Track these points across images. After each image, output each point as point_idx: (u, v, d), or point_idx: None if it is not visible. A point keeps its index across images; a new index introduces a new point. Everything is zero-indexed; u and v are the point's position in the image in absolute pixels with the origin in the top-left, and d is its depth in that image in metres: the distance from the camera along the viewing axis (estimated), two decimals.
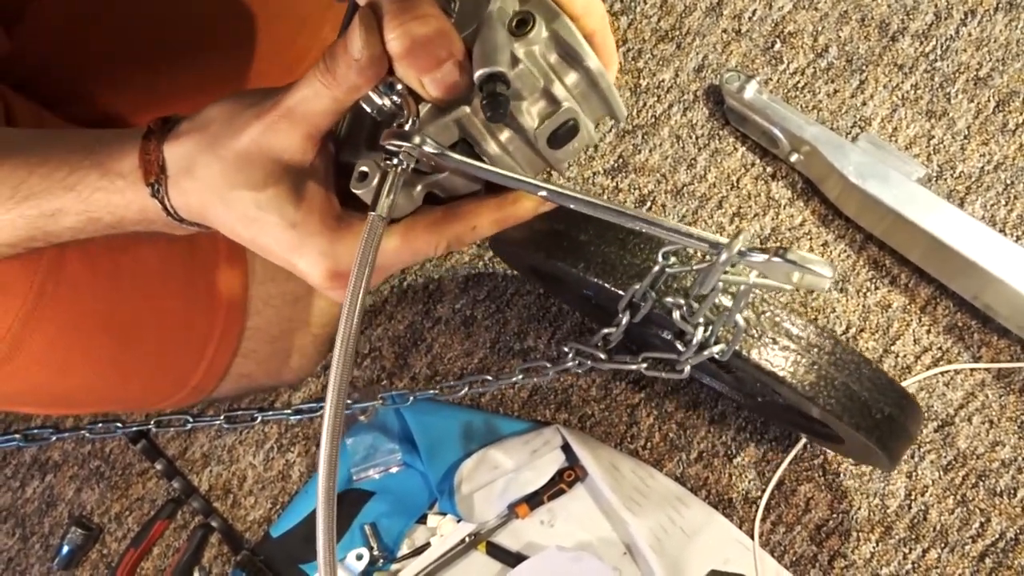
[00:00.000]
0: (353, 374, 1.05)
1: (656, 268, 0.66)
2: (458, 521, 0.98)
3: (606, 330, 0.73)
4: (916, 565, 0.96)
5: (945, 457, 0.98)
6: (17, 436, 0.82)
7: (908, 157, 0.98)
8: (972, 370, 1.00)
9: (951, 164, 1.04)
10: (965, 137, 1.05)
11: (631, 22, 1.13)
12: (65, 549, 1.05)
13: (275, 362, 0.96)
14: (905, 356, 1.01)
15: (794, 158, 1.02)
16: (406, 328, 1.07)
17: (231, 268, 0.87)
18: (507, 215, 0.61)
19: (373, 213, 0.54)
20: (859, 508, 0.98)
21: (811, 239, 1.04)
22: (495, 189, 0.61)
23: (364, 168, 0.57)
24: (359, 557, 0.97)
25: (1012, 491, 0.97)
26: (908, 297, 1.02)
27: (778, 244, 1.03)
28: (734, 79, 1.02)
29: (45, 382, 0.79)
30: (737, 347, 0.67)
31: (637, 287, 0.67)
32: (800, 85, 1.08)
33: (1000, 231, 0.98)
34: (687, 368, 0.69)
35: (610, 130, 1.10)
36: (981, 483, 0.97)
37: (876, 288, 1.02)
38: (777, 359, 0.68)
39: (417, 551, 0.98)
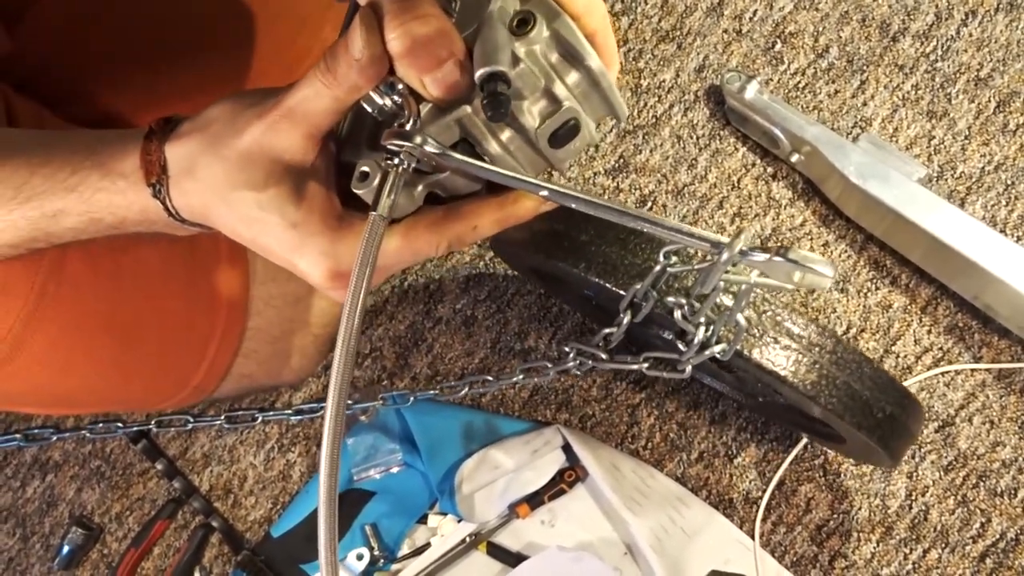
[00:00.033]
0: (354, 374, 1.06)
1: (657, 268, 0.66)
2: (459, 521, 0.98)
3: (607, 330, 0.73)
4: (917, 565, 0.96)
5: (946, 457, 0.98)
6: (18, 436, 0.82)
7: (909, 157, 0.98)
8: (973, 370, 1.00)
9: (952, 164, 1.04)
10: (966, 137, 1.05)
11: (632, 22, 1.13)
12: (66, 549, 1.05)
13: (276, 362, 0.96)
14: (906, 356, 1.01)
15: (795, 158, 1.02)
16: (407, 328, 1.07)
17: (232, 268, 0.87)
18: (508, 215, 0.61)
19: (374, 213, 0.54)
20: (860, 508, 0.98)
21: (812, 239, 1.04)
22: (496, 189, 0.61)
23: (365, 168, 0.57)
24: (360, 557, 0.97)
25: (1013, 491, 0.97)
26: (909, 297, 1.02)
27: (779, 244, 1.03)
28: (735, 79, 1.02)
29: (46, 382, 0.79)
30: (738, 346, 0.67)
31: (638, 287, 0.67)
32: (801, 85, 1.08)
33: (1001, 231, 0.98)
34: (688, 368, 0.69)
35: (611, 130, 1.10)
36: (982, 483, 0.97)
37: (877, 288, 1.02)
38: (779, 358, 0.68)
39: (418, 551, 0.98)
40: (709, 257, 0.60)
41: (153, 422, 0.82)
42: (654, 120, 1.10)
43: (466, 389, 0.83)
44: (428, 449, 0.99)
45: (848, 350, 0.70)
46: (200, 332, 0.86)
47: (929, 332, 1.01)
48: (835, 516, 0.98)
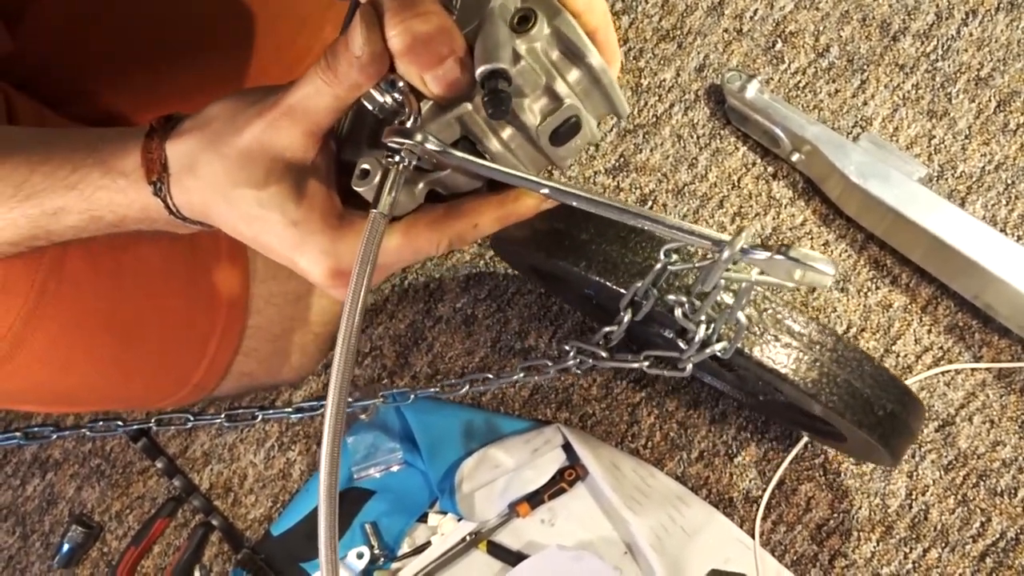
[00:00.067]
0: (354, 373, 1.06)
1: (658, 266, 0.66)
2: (459, 520, 0.98)
3: (607, 328, 0.73)
4: (917, 565, 0.96)
5: (946, 457, 0.98)
6: (18, 434, 0.82)
7: (909, 157, 0.98)
8: (973, 370, 1.00)
9: (952, 164, 1.04)
10: (966, 137, 1.05)
11: (632, 21, 1.13)
12: (65, 547, 1.06)
13: (276, 360, 0.96)
14: (906, 356, 1.01)
15: (795, 158, 1.02)
16: (407, 327, 1.07)
17: (232, 266, 0.87)
18: (509, 213, 0.61)
19: (375, 211, 0.54)
20: (860, 507, 0.98)
21: (812, 239, 1.04)
22: (497, 187, 0.61)
23: (366, 166, 0.57)
24: (360, 556, 0.97)
25: (1013, 491, 0.97)
26: (909, 297, 1.02)
27: (780, 242, 1.03)
28: (735, 78, 1.02)
29: (46, 380, 0.79)
30: (739, 344, 0.67)
31: (639, 285, 0.67)
32: (801, 85, 1.08)
33: (1001, 231, 0.98)
34: (689, 366, 0.69)
35: (611, 129, 1.10)
36: (982, 483, 0.97)
37: (877, 288, 1.02)
38: (779, 356, 0.68)
39: (418, 550, 0.98)
40: (710, 255, 0.60)
41: (153, 420, 0.82)
42: (655, 119, 1.10)
43: (466, 388, 0.82)
44: (428, 448, 0.99)
45: (849, 348, 0.70)
46: (200, 330, 0.86)
47: (929, 331, 1.01)
48: (835, 515, 0.98)
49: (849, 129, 1.06)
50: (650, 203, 1.07)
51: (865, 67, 1.08)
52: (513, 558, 0.97)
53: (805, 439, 0.99)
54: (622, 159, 1.09)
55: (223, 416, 0.81)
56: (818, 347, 0.69)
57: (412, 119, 0.54)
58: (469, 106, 0.55)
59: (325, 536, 0.51)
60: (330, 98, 0.54)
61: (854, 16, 1.09)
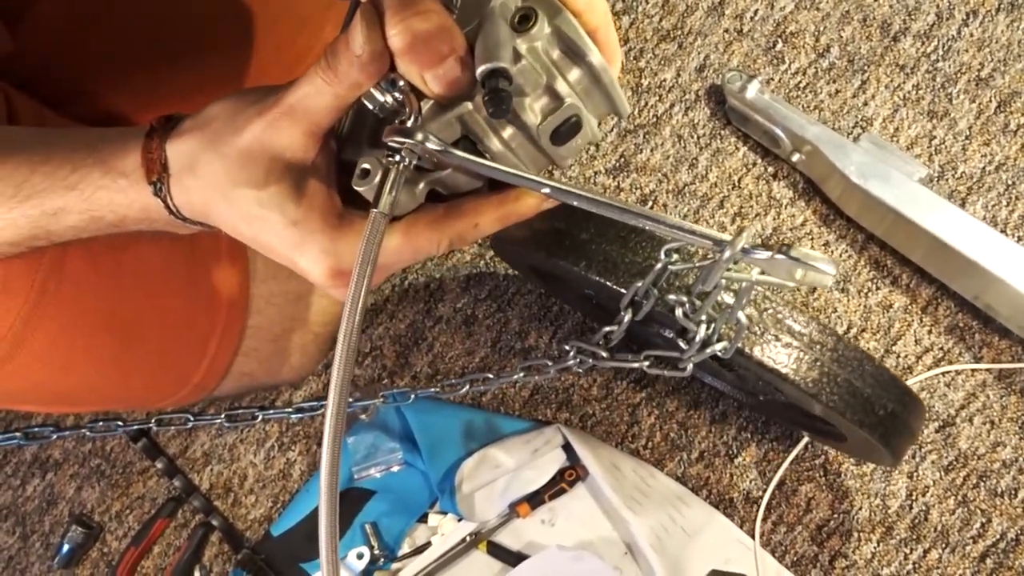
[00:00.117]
0: (354, 373, 1.05)
1: (659, 265, 0.66)
2: (459, 520, 0.98)
3: (608, 328, 0.73)
4: (917, 565, 0.96)
5: (946, 458, 0.98)
6: (18, 434, 0.82)
7: (910, 157, 0.98)
8: (973, 371, 1.00)
9: (953, 164, 1.04)
10: (967, 137, 1.05)
11: (633, 21, 1.13)
12: (65, 547, 1.05)
13: (276, 361, 0.96)
14: (906, 356, 1.01)
15: (796, 158, 1.02)
16: (407, 327, 1.07)
17: (232, 266, 0.87)
18: (509, 212, 0.61)
19: (375, 210, 0.54)
20: (860, 508, 0.98)
21: (812, 239, 1.04)
22: (497, 186, 0.61)
23: (366, 165, 0.57)
24: (360, 556, 0.97)
25: (1013, 492, 0.97)
26: (909, 297, 1.01)
27: (780, 242, 1.03)
28: (736, 79, 1.02)
29: (46, 380, 0.79)
30: (740, 344, 0.67)
31: (639, 285, 0.67)
32: (802, 85, 1.08)
33: (1001, 231, 0.98)
34: (690, 366, 0.69)
35: (612, 129, 1.10)
36: (982, 484, 0.97)
37: (877, 288, 1.02)
38: (780, 356, 0.68)
39: (418, 550, 0.98)
40: (711, 255, 0.60)
41: (153, 420, 0.82)
42: (655, 119, 1.10)
43: (467, 387, 0.82)
44: (428, 448, 0.99)
45: (849, 347, 0.70)
46: (200, 330, 0.86)
47: (930, 332, 1.01)
48: (835, 516, 0.98)
49: (850, 129, 1.06)
50: (650, 203, 1.07)
51: (866, 67, 1.08)
52: (513, 558, 0.97)
53: (805, 439, 0.99)
54: (622, 159, 1.09)
55: (223, 416, 0.81)
56: (819, 347, 0.69)
57: (412, 118, 0.54)
58: (470, 105, 0.55)
59: (326, 536, 0.51)
60: (330, 97, 0.54)
61: (855, 16, 1.09)
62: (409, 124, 0.54)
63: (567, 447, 0.99)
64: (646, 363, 0.73)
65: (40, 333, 0.73)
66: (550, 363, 0.79)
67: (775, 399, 0.91)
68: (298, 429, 1.07)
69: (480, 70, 0.52)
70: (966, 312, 1.01)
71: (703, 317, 0.65)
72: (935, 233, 0.92)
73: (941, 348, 1.00)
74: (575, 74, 0.57)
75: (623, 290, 0.68)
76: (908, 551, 0.97)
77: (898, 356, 1.01)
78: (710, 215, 1.06)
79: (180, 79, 0.85)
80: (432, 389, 0.83)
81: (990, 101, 1.05)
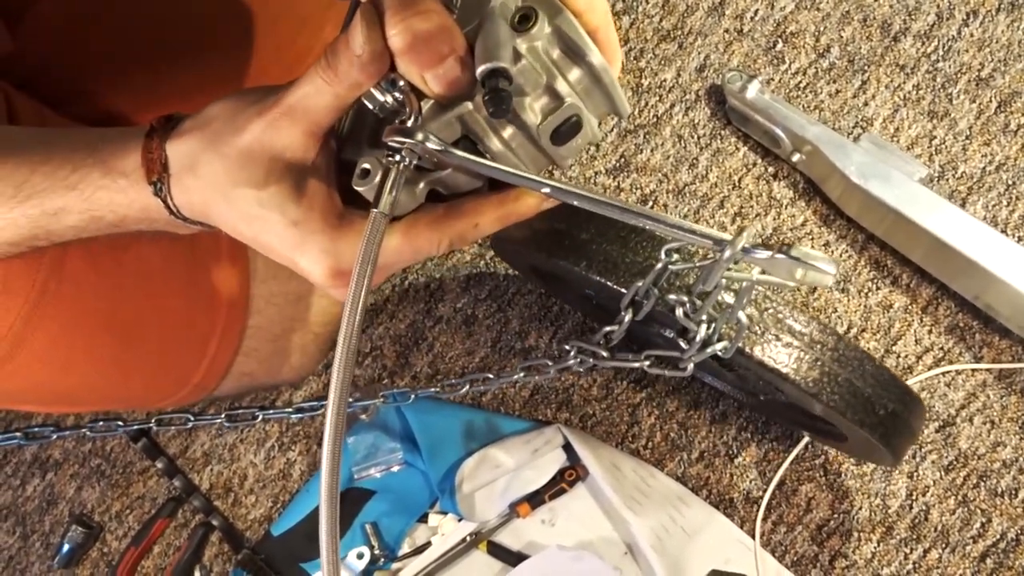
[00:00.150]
0: (354, 373, 1.05)
1: (659, 265, 0.66)
2: (459, 520, 0.98)
3: (608, 328, 0.73)
4: (917, 565, 0.96)
5: (946, 457, 0.98)
6: (18, 434, 0.82)
7: (910, 157, 0.98)
8: (973, 371, 1.00)
9: (953, 164, 1.04)
10: (967, 137, 1.05)
11: (633, 21, 1.13)
12: (66, 547, 1.05)
13: (276, 361, 0.96)
14: (906, 356, 1.01)
15: (796, 158, 1.02)
16: (407, 327, 1.07)
17: (233, 266, 0.87)
18: (509, 212, 0.61)
19: (375, 210, 0.54)
20: (860, 508, 0.98)
21: (812, 239, 1.04)
22: (498, 186, 0.61)
23: (366, 165, 0.57)
24: (360, 556, 0.97)
25: (1013, 492, 0.97)
26: (910, 297, 1.01)
27: (781, 241, 1.03)
28: (736, 79, 1.02)
29: (47, 380, 0.79)
30: (740, 344, 0.67)
31: (640, 285, 0.67)
32: (802, 85, 1.08)
33: (1002, 231, 0.98)
34: (690, 366, 0.69)
35: (612, 129, 1.10)
36: (982, 483, 0.97)
37: (877, 288, 1.02)
38: (780, 356, 0.68)
39: (418, 550, 0.98)
40: (711, 255, 0.60)
41: (153, 420, 0.82)
42: (655, 119, 1.10)
43: (467, 387, 0.82)
44: (429, 448, 0.99)
45: (850, 347, 0.70)
46: (201, 330, 0.86)
47: (930, 332, 1.01)
48: (836, 516, 0.98)
49: (850, 129, 1.06)
50: (651, 203, 1.07)
51: (866, 67, 1.08)
52: (513, 558, 0.97)
53: (806, 439, 0.99)
54: (623, 159, 1.09)
55: (223, 416, 0.81)
56: (819, 346, 0.69)
57: (413, 118, 0.54)
58: (470, 105, 0.55)
59: (326, 536, 0.51)
60: (330, 97, 0.54)
61: (855, 17, 1.09)
62: (409, 124, 0.54)
63: (567, 447, 0.99)
64: (646, 363, 0.73)
65: (40, 333, 0.73)
66: (550, 363, 0.79)
67: (775, 399, 0.91)
68: (298, 429, 1.07)
69: (480, 70, 0.52)
70: (966, 312, 1.01)
71: (704, 317, 0.65)
72: (935, 233, 0.92)
73: (941, 348, 1.00)
74: (575, 74, 0.57)
75: (623, 290, 0.68)
76: (908, 551, 0.97)
77: (898, 356, 1.01)
78: (710, 215, 1.06)
79: (180, 79, 0.85)
80: (432, 389, 0.83)
81: (990, 101, 1.05)
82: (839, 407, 0.69)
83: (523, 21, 0.54)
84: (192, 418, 0.81)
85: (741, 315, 0.64)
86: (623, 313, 0.70)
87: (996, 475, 0.97)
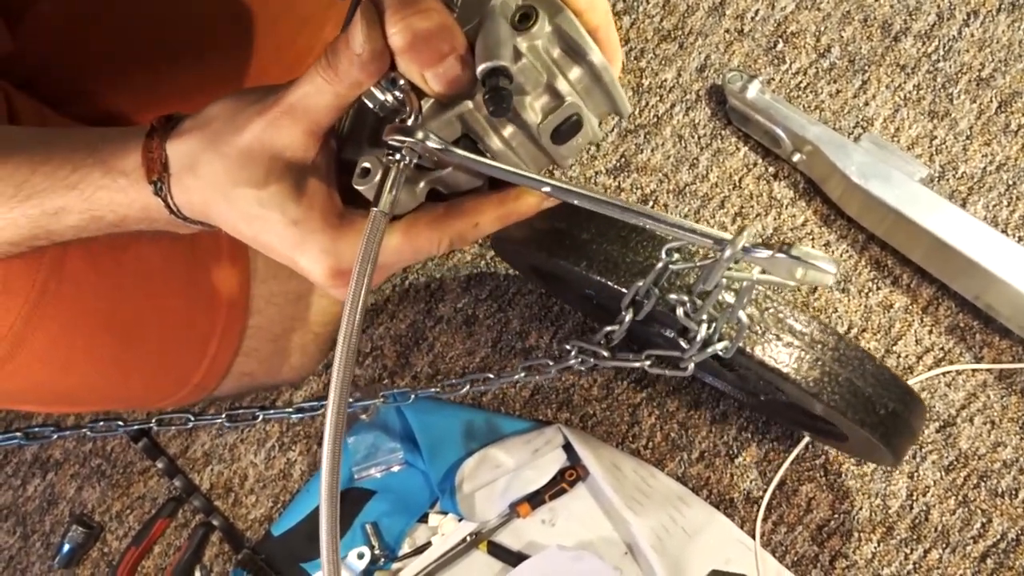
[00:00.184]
0: (355, 373, 1.05)
1: (660, 265, 0.66)
2: (459, 520, 0.98)
3: (609, 328, 0.73)
4: (917, 565, 0.96)
5: (947, 458, 0.98)
6: (18, 434, 0.82)
7: (910, 157, 0.98)
8: (974, 371, 1.00)
9: (953, 164, 1.04)
10: (967, 138, 1.05)
11: (634, 21, 1.13)
12: (66, 547, 1.05)
13: (277, 361, 0.96)
14: (907, 356, 1.01)
15: (796, 158, 1.02)
16: (408, 327, 1.07)
17: (233, 266, 0.87)
18: (510, 211, 0.61)
19: (375, 209, 0.54)
20: (861, 508, 0.98)
21: (813, 239, 1.04)
22: (498, 186, 0.61)
23: (367, 164, 0.57)
24: (360, 556, 0.97)
25: (1014, 492, 0.97)
26: (910, 297, 1.01)
27: (781, 241, 1.03)
28: (736, 79, 1.02)
29: (47, 380, 0.79)
30: (741, 344, 0.67)
31: (640, 284, 0.67)
32: (803, 85, 1.08)
33: (1002, 231, 0.98)
34: (691, 365, 0.69)
35: (612, 129, 1.10)
36: (983, 484, 0.97)
37: (878, 288, 1.02)
38: (781, 355, 0.68)
39: (418, 550, 0.98)
40: (712, 254, 0.60)
41: (154, 420, 0.82)
42: (656, 119, 1.10)
43: (467, 387, 0.83)
44: (429, 448, 0.99)
45: (850, 347, 0.70)
46: (201, 330, 0.86)
47: (930, 332, 1.01)
48: (836, 516, 0.98)
49: (850, 129, 1.06)
50: (651, 203, 1.07)
51: (866, 68, 1.08)
52: (514, 558, 0.97)
53: (806, 440, 0.98)
54: (623, 159, 1.09)
55: (224, 416, 0.81)
56: (820, 346, 0.69)
57: (413, 117, 0.54)
58: (470, 104, 0.55)
59: (326, 536, 0.51)
60: (331, 96, 0.54)
61: (855, 17, 1.09)
62: (409, 123, 0.54)
63: (568, 447, 0.99)
64: (647, 363, 0.73)
65: (40, 333, 0.73)
66: (551, 363, 0.79)
67: (776, 399, 0.91)
68: (298, 429, 1.07)
69: (480, 68, 0.52)
70: (967, 312, 1.00)
71: (704, 316, 0.65)
72: (936, 233, 0.92)
73: (942, 348, 1.00)
74: (576, 73, 0.57)
75: (624, 290, 0.68)
76: (908, 551, 0.97)
77: (899, 356, 1.01)
78: (711, 215, 1.06)
79: (180, 79, 0.85)
80: (433, 389, 0.83)
81: (991, 101, 1.05)
82: (840, 407, 0.69)
83: (523, 20, 0.54)
84: (192, 418, 0.81)
85: (742, 315, 0.64)
86: (624, 313, 0.70)
87: (996, 475, 0.97)
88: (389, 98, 0.55)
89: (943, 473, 0.98)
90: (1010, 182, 1.03)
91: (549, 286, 1.01)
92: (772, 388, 0.87)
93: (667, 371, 0.72)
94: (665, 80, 1.11)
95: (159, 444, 1.08)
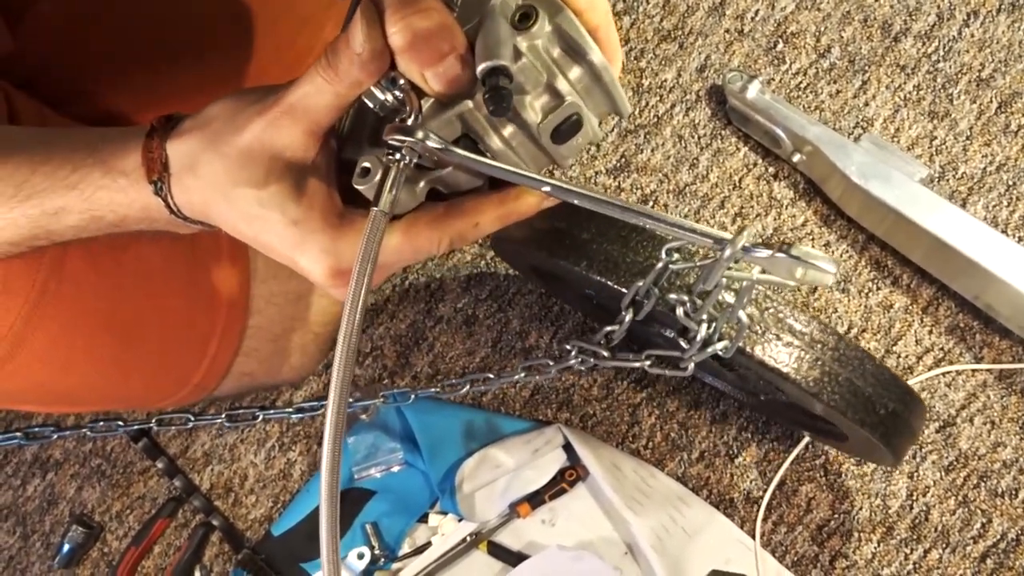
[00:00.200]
0: (355, 373, 1.05)
1: (660, 265, 0.66)
2: (459, 520, 0.98)
3: (609, 328, 0.73)
4: (917, 566, 0.96)
5: (947, 458, 0.98)
6: (18, 434, 0.82)
7: (910, 158, 0.98)
8: (974, 371, 1.00)
9: (953, 165, 1.04)
10: (967, 138, 1.05)
11: (634, 22, 1.13)
12: (66, 547, 1.05)
13: (277, 361, 0.96)
14: (907, 357, 1.01)
15: (796, 158, 1.02)
16: (408, 327, 1.07)
17: (233, 266, 0.87)
18: (510, 211, 0.61)
19: (376, 208, 0.54)
20: (861, 508, 0.98)
21: (813, 239, 1.04)
22: (498, 185, 0.61)
23: (367, 164, 0.57)
24: (360, 556, 0.97)
25: (1013, 492, 0.97)
26: (910, 298, 1.01)
27: (781, 241, 1.03)
28: (737, 79, 1.02)
29: (47, 380, 0.79)
30: (741, 343, 0.67)
31: (640, 284, 0.67)
32: (803, 85, 1.08)
33: (1002, 232, 0.98)
34: (691, 365, 0.69)
35: (612, 129, 1.10)
36: (983, 484, 0.97)
37: (878, 288, 1.02)
38: (781, 355, 0.68)
39: (418, 550, 0.98)
40: (712, 254, 0.60)
41: (154, 420, 0.82)
42: (656, 120, 1.10)
43: (467, 387, 0.82)
44: (429, 448, 0.99)
45: (850, 347, 0.70)
46: (201, 330, 0.86)
47: (930, 332, 1.01)
48: (836, 516, 0.98)
49: (850, 130, 1.06)
50: (651, 203, 1.07)
51: (866, 68, 1.08)
52: (514, 558, 0.97)
53: (806, 440, 0.98)
54: (623, 159, 1.09)
55: (224, 416, 0.81)
56: (820, 346, 0.69)
57: (413, 117, 0.54)
58: (470, 103, 0.55)
59: (326, 536, 0.51)
60: (331, 96, 0.54)
61: (855, 17, 1.09)
62: (410, 122, 0.54)
63: (567, 447, 0.99)
64: (647, 363, 0.73)
65: (40, 333, 0.73)
66: (551, 363, 0.79)
67: (776, 399, 0.90)
68: (298, 429, 1.07)
69: (480, 68, 0.52)
70: (967, 312, 1.00)
71: (704, 316, 0.65)
72: (936, 233, 0.92)
73: (942, 348, 1.00)
74: (576, 72, 0.57)
75: (624, 289, 0.68)
76: (908, 551, 0.97)
77: (899, 356, 1.01)
78: (711, 215, 1.06)
79: (180, 79, 0.85)
80: (432, 389, 0.83)
81: (991, 102, 1.05)
82: (840, 406, 0.69)
83: (523, 19, 0.54)
84: (192, 418, 0.81)
85: (742, 314, 0.64)
86: (624, 313, 0.70)
87: (996, 475, 0.97)
88: (389, 98, 0.55)
89: (943, 473, 0.98)
90: (1010, 182, 1.03)
91: (549, 286, 1.01)
92: (772, 388, 0.87)
93: (667, 371, 0.72)
94: (665, 80, 1.11)
95: (159, 444, 1.08)
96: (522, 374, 0.81)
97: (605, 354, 0.75)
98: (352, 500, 1.00)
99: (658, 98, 1.10)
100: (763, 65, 1.09)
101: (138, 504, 1.07)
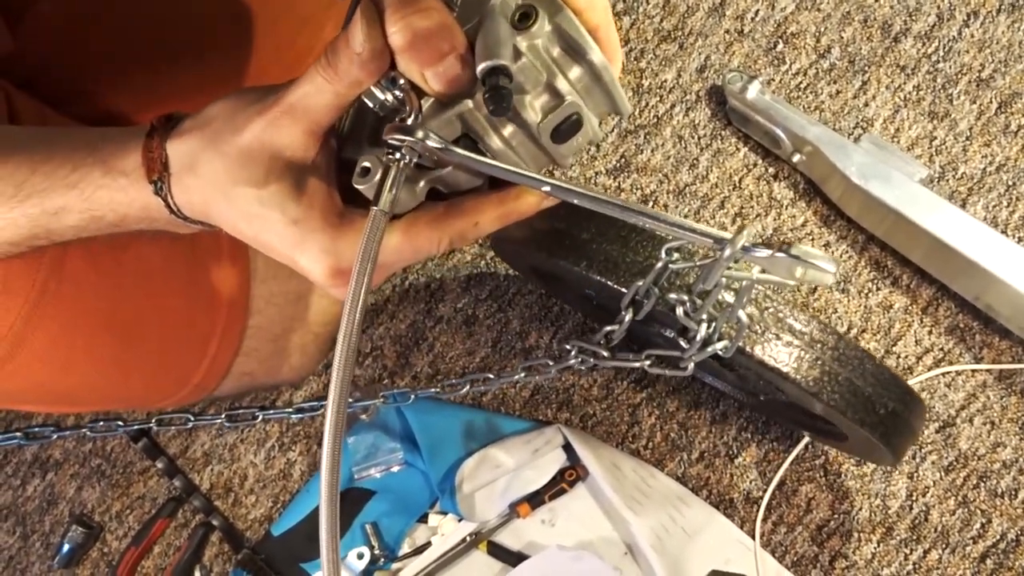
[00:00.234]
0: (355, 373, 1.05)
1: (659, 264, 0.66)
2: (459, 520, 0.98)
3: (609, 328, 0.73)
4: (917, 566, 0.96)
5: (946, 458, 0.98)
6: (18, 434, 0.82)
7: (910, 158, 0.98)
8: (973, 371, 1.00)
9: (953, 165, 1.04)
10: (967, 138, 1.05)
11: (634, 22, 1.13)
12: (66, 547, 1.05)
13: (276, 361, 0.96)
14: (907, 357, 1.01)
15: (796, 159, 1.02)
16: (408, 327, 1.07)
17: (233, 266, 0.87)
18: (510, 211, 0.61)
19: (375, 208, 0.54)
20: (860, 509, 0.98)
21: (813, 240, 1.04)
22: (498, 185, 0.61)
23: (367, 163, 0.57)
24: (360, 556, 0.97)
25: (1013, 492, 0.97)
26: (910, 298, 1.01)
27: (781, 240, 1.03)
28: (736, 79, 1.02)
29: (47, 380, 0.79)
30: (740, 343, 0.67)
31: (640, 284, 0.67)
32: (803, 86, 1.08)
33: (1002, 232, 0.98)
34: (691, 365, 0.69)
35: (612, 130, 1.10)
36: (982, 484, 0.97)
37: (878, 289, 1.02)
38: (781, 355, 0.68)
39: (418, 550, 0.98)
40: (711, 253, 0.60)
41: (154, 420, 0.82)
42: (656, 120, 1.10)
43: (467, 387, 0.83)
44: (429, 448, 0.99)
45: (850, 346, 0.70)
46: (201, 330, 0.86)
47: (930, 333, 1.01)
48: (836, 516, 0.98)
49: (850, 130, 1.06)
50: (651, 204, 1.07)
51: (866, 68, 1.08)
52: (513, 558, 0.97)
53: (806, 440, 0.98)
54: (623, 160, 1.09)
55: (223, 416, 0.81)
56: (819, 346, 0.69)
57: (413, 116, 0.54)
58: (470, 103, 0.55)
59: (326, 536, 0.51)
60: (331, 96, 0.54)
61: (855, 17, 1.09)
62: (409, 122, 0.54)
63: (567, 447, 0.99)
64: (647, 363, 0.73)
65: (40, 333, 0.73)
66: (551, 363, 0.79)
67: (776, 399, 0.90)
68: (298, 429, 1.07)
69: (480, 67, 0.52)
70: (966, 313, 1.00)
71: (704, 316, 0.65)
72: (936, 234, 0.92)
73: (941, 349, 1.00)
74: (576, 72, 0.57)
75: (624, 289, 0.68)
76: (908, 551, 0.97)
77: (898, 357, 1.01)
78: (711, 215, 1.06)
79: (180, 79, 0.85)
80: (432, 389, 0.83)
81: (991, 102, 1.05)
82: (839, 406, 0.69)
83: (523, 19, 0.54)
84: (192, 418, 0.81)
85: (741, 314, 0.64)
86: (623, 313, 0.70)
87: (996, 476, 0.97)
88: (389, 97, 0.55)
89: (943, 473, 0.98)
90: (1010, 183, 1.03)
91: (549, 286, 1.01)
92: (772, 388, 0.87)
93: (667, 371, 0.72)
94: (665, 81, 1.11)
95: (159, 444, 1.08)
96: (522, 374, 0.81)
97: (605, 354, 0.75)
98: (352, 500, 1.00)
99: (658, 98, 1.10)
100: (763, 65, 1.09)
101: (138, 504, 1.07)
